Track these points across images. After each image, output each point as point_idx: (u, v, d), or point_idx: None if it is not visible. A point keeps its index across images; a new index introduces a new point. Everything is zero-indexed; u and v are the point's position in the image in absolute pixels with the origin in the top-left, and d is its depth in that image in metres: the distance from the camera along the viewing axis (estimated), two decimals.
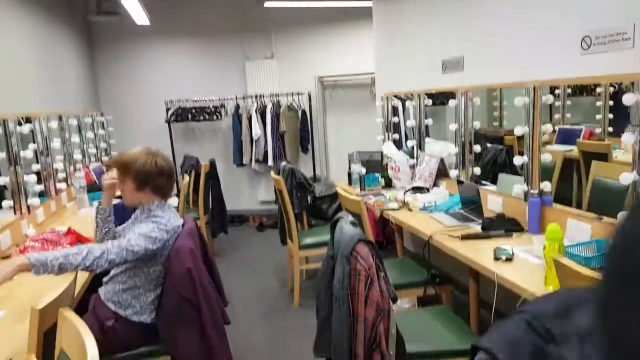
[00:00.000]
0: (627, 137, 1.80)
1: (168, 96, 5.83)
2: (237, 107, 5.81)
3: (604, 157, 2.21)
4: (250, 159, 5.75)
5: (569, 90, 2.37)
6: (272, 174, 3.69)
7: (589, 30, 2.07)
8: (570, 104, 2.40)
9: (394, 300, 1.74)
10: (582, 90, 2.37)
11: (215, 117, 5.78)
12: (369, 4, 4.61)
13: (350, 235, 1.74)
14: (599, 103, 2.25)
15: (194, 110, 5.78)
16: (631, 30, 1.87)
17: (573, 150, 2.35)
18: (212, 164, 4.77)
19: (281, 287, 3.88)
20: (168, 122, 5.78)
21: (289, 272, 3.78)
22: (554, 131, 2.39)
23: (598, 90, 2.24)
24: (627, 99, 1.82)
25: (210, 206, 4.75)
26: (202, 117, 5.78)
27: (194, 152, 5.34)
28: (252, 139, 5.70)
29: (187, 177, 4.17)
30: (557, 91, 2.33)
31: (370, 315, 1.66)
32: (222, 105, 5.83)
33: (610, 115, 2.20)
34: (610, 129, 2.21)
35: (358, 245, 1.70)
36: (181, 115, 5.77)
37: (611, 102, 2.19)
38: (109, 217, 2.15)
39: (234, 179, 6.02)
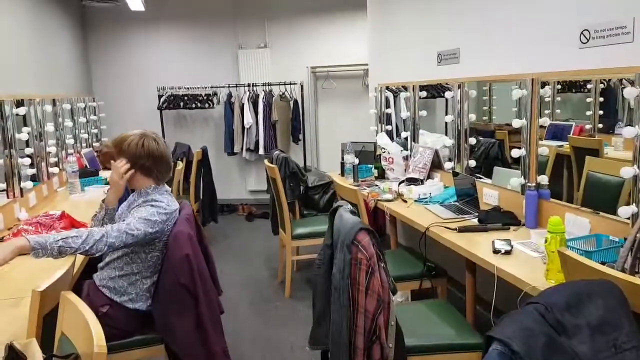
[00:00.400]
0: (628, 131, 1.81)
1: (160, 83, 5.76)
2: (230, 95, 5.76)
3: (595, 152, 2.22)
4: (242, 148, 5.71)
5: (559, 87, 2.38)
6: (266, 162, 3.66)
7: (588, 24, 2.07)
8: (559, 100, 2.42)
9: (394, 292, 1.73)
10: (571, 86, 2.38)
11: (207, 105, 5.72)
12: None
13: (351, 223, 1.71)
14: (589, 99, 2.26)
15: (186, 98, 5.71)
16: (631, 24, 1.87)
17: (563, 146, 2.37)
18: (204, 152, 4.72)
19: (272, 278, 3.87)
20: (160, 109, 5.70)
21: (280, 262, 3.77)
22: (543, 126, 2.41)
23: (589, 86, 2.26)
24: (628, 93, 1.82)
25: (201, 194, 4.71)
26: (194, 105, 5.72)
27: (185, 140, 5.29)
28: (243, 128, 5.66)
29: (179, 164, 4.12)
30: (547, 87, 2.35)
31: (370, 307, 1.64)
32: (215, 94, 5.78)
33: (600, 112, 2.23)
34: (600, 126, 2.23)
35: (360, 233, 1.66)
36: (173, 102, 5.70)
37: (601, 99, 2.21)
38: (115, 215, 2.10)
39: (224, 167, 5.98)
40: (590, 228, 2.06)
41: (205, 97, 5.72)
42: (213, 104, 5.75)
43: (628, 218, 1.86)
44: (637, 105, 1.83)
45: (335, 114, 6.08)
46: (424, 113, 3.68)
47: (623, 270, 1.47)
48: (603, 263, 1.50)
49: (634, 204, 1.84)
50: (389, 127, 4.17)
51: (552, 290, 1.15)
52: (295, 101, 5.80)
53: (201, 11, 5.89)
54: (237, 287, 3.68)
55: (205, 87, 5.74)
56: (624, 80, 2.05)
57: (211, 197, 4.77)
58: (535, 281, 1.68)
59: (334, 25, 5.87)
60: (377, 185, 3.42)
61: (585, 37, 2.10)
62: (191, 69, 5.91)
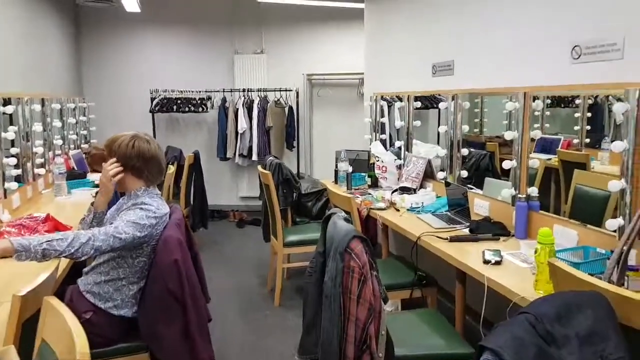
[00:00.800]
0: (617, 145, 1.83)
1: (154, 86, 5.72)
2: (224, 100, 5.75)
3: (582, 166, 2.27)
4: (234, 153, 5.69)
5: (549, 101, 2.42)
6: (260, 168, 3.64)
7: (579, 40, 2.11)
8: (549, 114, 2.46)
9: (385, 301, 1.72)
10: (560, 101, 2.43)
11: (201, 109, 5.70)
12: (361, 5, 4.61)
13: (345, 231, 1.70)
14: (577, 114, 2.30)
15: (179, 101, 5.68)
16: (621, 41, 1.91)
17: (552, 159, 2.41)
18: (196, 156, 4.69)
19: (261, 285, 3.83)
20: (152, 111, 5.67)
21: (271, 270, 3.74)
22: (533, 140, 2.44)
23: (577, 101, 2.30)
24: (618, 108, 1.85)
25: (192, 199, 4.67)
26: (187, 109, 5.69)
27: (177, 144, 5.25)
28: (237, 133, 5.64)
29: (170, 168, 4.09)
30: (538, 101, 2.38)
31: (362, 315, 1.63)
32: (209, 98, 5.75)
33: (588, 127, 2.26)
34: (587, 140, 2.26)
35: (353, 241, 1.66)
36: (166, 105, 5.67)
37: (589, 114, 2.24)
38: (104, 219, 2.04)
39: (215, 172, 5.95)
40: (578, 240, 2.07)
41: (199, 101, 5.70)
42: (207, 108, 5.73)
43: (615, 230, 1.88)
44: (626, 120, 1.85)
45: (330, 122, 6.09)
46: (417, 123, 3.70)
47: (610, 282, 1.48)
48: (591, 274, 1.50)
49: (620, 217, 1.86)
50: (383, 136, 4.18)
51: (542, 300, 1.15)
52: (290, 108, 5.80)
53: (198, 15, 5.88)
54: (226, 295, 3.64)
55: (200, 91, 5.72)
56: (610, 97, 2.09)
57: (202, 202, 4.74)
58: (524, 291, 1.68)
59: (330, 34, 5.90)
60: (370, 194, 3.42)
61: (576, 52, 2.13)
62: (186, 73, 5.89)
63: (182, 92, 5.69)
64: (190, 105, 5.68)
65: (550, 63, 2.29)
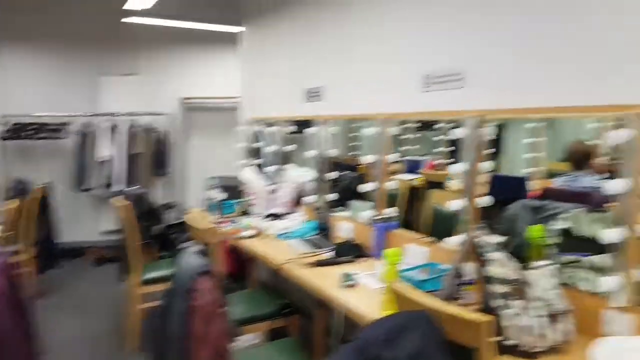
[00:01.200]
0: (455, 168, 1.96)
1: (4, 110, 5.05)
2: (86, 125, 5.25)
3: (441, 186, 2.41)
4: (96, 184, 5.19)
5: (418, 124, 2.57)
6: (115, 200, 3.31)
7: (429, 71, 2.28)
8: (419, 136, 2.60)
9: (237, 337, 1.63)
10: (426, 124, 2.59)
11: (58, 135, 5.12)
12: (237, 29, 4.57)
13: (192, 268, 1.61)
14: (437, 137, 2.46)
15: (34, 127, 5.06)
16: (463, 72, 2.11)
17: (414, 180, 2.55)
18: (47, 189, 4.17)
19: (116, 330, 3.44)
20: (3, 138, 4.96)
21: (129, 312, 3.37)
22: (399, 162, 2.55)
23: (437, 125, 2.47)
24: (457, 133, 2.01)
25: (40, 237, 4.11)
26: (42, 135, 5.08)
27: (31, 175, 4.64)
28: (99, 161, 5.16)
29: (12, 203, 3.55)
30: (399, 126, 2.51)
31: (206, 357, 1.51)
32: (68, 123, 5.21)
33: (453, 148, 2.43)
34: (452, 160, 2.43)
35: (199, 278, 1.57)
36: (17, 132, 5.00)
37: (454, 137, 2.42)
38: None
39: (74, 206, 5.36)
40: (429, 257, 2.16)
41: (56, 127, 5.13)
42: (66, 135, 5.17)
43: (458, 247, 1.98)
44: (464, 145, 2.00)
45: (206, 147, 5.89)
46: (291, 147, 3.71)
47: (448, 297, 1.53)
48: (433, 291, 1.54)
49: (461, 233, 1.98)
50: (257, 161, 4.13)
51: (375, 323, 1.14)
52: (163, 133, 5.51)
53: (60, 33, 5.33)
54: (73, 343, 3.18)
55: (58, 116, 5.15)
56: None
57: (51, 240, 4.20)
58: (374, 313, 1.68)
59: (206, 57, 5.77)
60: (235, 222, 3.30)
61: (426, 82, 2.29)
62: (44, 96, 5.28)
63: (37, 116, 5.09)
64: (46, 132, 5.09)
65: (405, 92, 2.45)
